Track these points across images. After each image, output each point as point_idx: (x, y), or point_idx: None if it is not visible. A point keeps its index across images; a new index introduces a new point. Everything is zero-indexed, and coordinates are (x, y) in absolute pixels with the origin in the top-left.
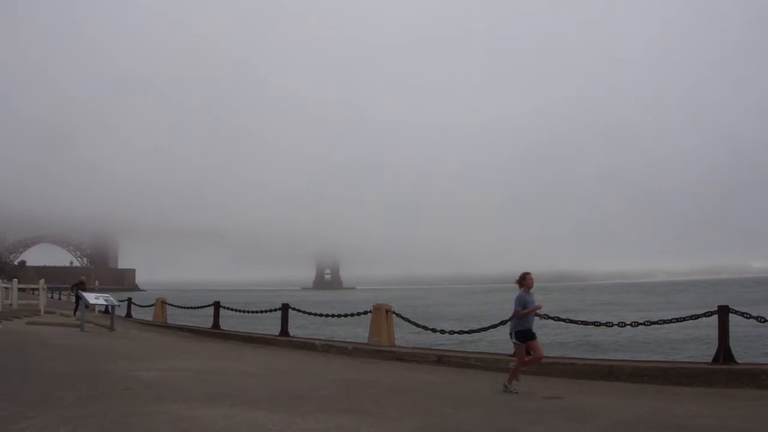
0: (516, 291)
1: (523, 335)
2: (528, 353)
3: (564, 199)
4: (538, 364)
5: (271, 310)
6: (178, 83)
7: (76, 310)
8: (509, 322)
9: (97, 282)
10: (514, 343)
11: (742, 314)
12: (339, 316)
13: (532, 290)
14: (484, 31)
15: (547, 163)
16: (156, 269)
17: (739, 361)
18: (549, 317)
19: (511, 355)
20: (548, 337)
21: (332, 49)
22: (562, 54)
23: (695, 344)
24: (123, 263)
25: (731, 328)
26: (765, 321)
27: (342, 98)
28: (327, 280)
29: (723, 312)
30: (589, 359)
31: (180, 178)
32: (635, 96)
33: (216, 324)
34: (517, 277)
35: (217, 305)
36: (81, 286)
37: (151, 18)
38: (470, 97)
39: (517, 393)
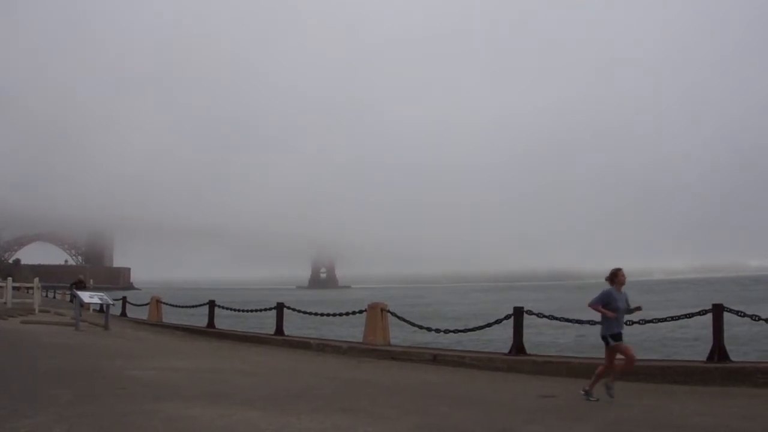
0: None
1: (619, 337)
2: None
3: (564, 199)
4: (532, 363)
5: (266, 309)
6: (178, 82)
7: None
8: (601, 324)
9: (92, 281)
10: (615, 346)
11: (737, 312)
12: (334, 315)
13: (623, 289)
14: (484, 31)
15: (547, 163)
16: (152, 268)
17: (733, 359)
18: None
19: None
20: (545, 336)
21: (333, 49)
22: (562, 54)
23: (692, 342)
24: (119, 262)
25: (726, 326)
26: (759, 319)
27: (342, 98)
28: (322, 279)
29: (717, 310)
30: (584, 358)
31: (178, 176)
32: (635, 96)
33: (211, 323)
34: (608, 274)
35: (212, 304)
36: (80, 284)
37: (152, 17)
38: (470, 97)
39: (597, 400)
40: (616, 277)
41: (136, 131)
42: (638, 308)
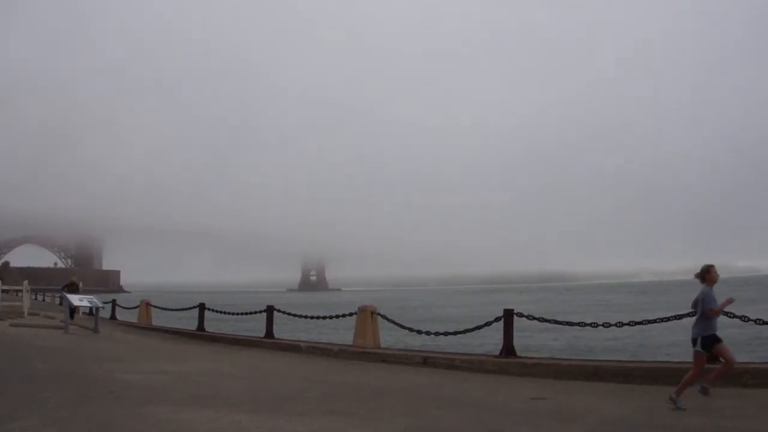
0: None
1: (711, 341)
2: (713, 360)
3: (563, 200)
4: (523, 365)
5: (255, 312)
6: (178, 83)
7: (72, 313)
8: (693, 326)
9: (80, 283)
10: (695, 351)
11: (726, 314)
12: (324, 318)
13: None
14: (484, 32)
15: (547, 163)
16: (143, 271)
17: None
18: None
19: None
20: (536, 339)
21: (333, 49)
22: (562, 54)
23: (683, 345)
24: (109, 265)
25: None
26: (748, 320)
27: (342, 97)
28: (312, 282)
29: None
30: (574, 359)
31: (175, 178)
32: (635, 96)
33: (201, 326)
34: (698, 271)
35: (201, 307)
36: (72, 287)
37: (152, 17)
38: (470, 98)
39: (685, 409)
40: (708, 274)
41: (135, 132)
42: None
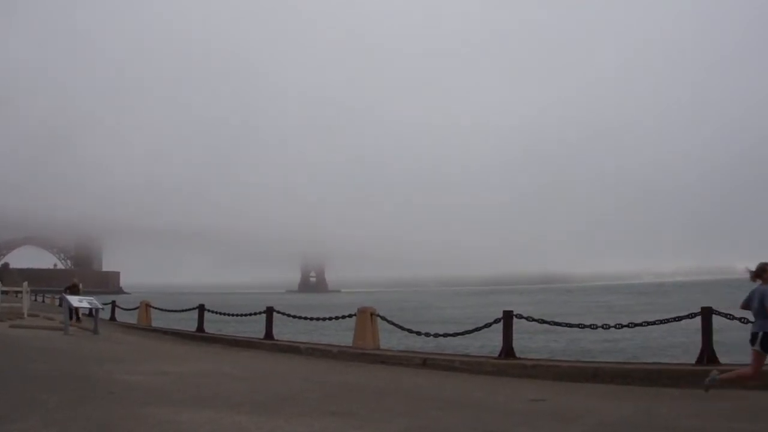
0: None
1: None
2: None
3: (563, 200)
4: (522, 366)
5: (255, 314)
6: (178, 83)
7: (71, 316)
8: (754, 323)
9: (80, 285)
10: (754, 350)
11: (726, 315)
12: (324, 319)
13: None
14: (484, 32)
15: (547, 163)
16: (143, 272)
17: (722, 362)
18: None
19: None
20: (536, 341)
21: (333, 49)
22: (562, 54)
23: (683, 346)
24: (109, 266)
25: (717, 329)
26: (747, 322)
27: (342, 97)
28: (312, 283)
29: (706, 313)
30: (573, 361)
31: (174, 179)
32: (635, 96)
33: (200, 327)
34: (754, 269)
35: (201, 308)
36: (74, 289)
37: (151, 17)
38: (470, 98)
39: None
40: (764, 273)
41: (135, 132)
42: None
